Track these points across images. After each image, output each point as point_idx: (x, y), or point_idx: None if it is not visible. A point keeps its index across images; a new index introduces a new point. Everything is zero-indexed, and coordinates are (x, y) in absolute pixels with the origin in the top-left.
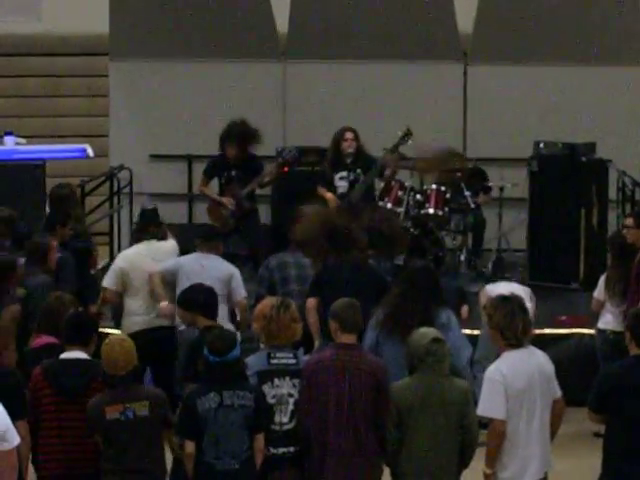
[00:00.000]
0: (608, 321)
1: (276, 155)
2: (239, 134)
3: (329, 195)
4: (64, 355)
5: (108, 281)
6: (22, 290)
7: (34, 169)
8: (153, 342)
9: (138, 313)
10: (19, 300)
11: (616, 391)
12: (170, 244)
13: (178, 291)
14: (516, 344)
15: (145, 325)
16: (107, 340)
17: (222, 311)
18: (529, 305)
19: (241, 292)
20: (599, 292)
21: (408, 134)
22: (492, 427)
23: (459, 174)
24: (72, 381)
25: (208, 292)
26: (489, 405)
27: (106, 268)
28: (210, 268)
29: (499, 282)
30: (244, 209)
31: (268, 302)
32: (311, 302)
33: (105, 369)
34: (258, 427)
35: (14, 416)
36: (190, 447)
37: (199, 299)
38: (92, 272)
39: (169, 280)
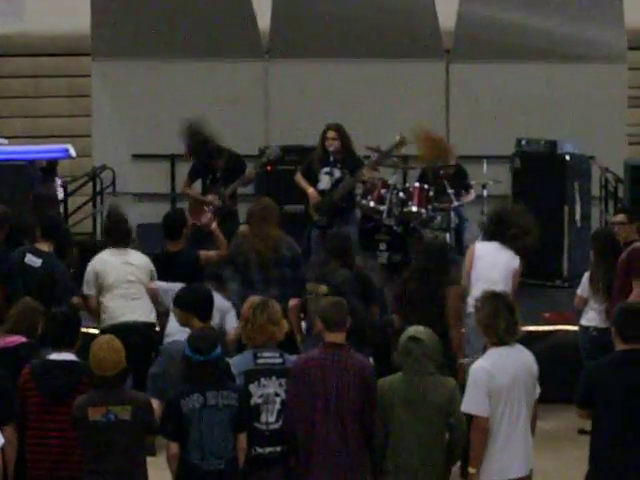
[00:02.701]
0: (591, 318)
1: (259, 154)
2: (216, 149)
3: (310, 191)
4: (53, 356)
5: (86, 288)
6: None
7: (16, 170)
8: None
9: (114, 312)
10: None
11: (602, 386)
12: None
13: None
14: (498, 342)
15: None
16: (96, 340)
17: None
18: (509, 284)
19: (233, 324)
20: (582, 289)
21: (402, 143)
22: (475, 424)
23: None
24: (58, 383)
25: (206, 294)
26: (472, 402)
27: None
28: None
29: (492, 242)
30: (226, 209)
31: (250, 302)
32: (292, 302)
33: (92, 369)
34: (241, 426)
35: (3, 418)
36: (174, 448)
37: (196, 300)
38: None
39: (164, 300)
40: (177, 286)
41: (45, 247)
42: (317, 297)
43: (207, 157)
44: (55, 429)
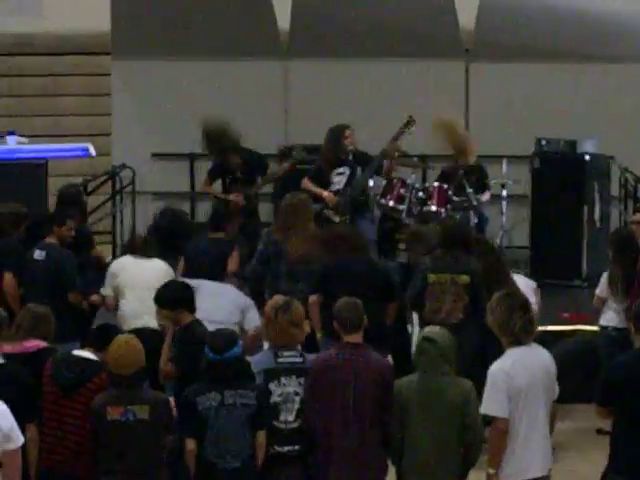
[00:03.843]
0: (610, 318)
1: (279, 153)
2: (225, 148)
3: (326, 194)
4: (75, 352)
5: (105, 289)
6: None
7: (36, 168)
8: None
9: (130, 315)
10: None
11: (622, 384)
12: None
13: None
14: (514, 341)
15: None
16: (115, 339)
17: None
18: (533, 300)
19: (256, 322)
20: (601, 289)
21: (411, 122)
22: (494, 426)
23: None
24: (69, 376)
25: (186, 287)
26: (491, 403)
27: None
28: (229, 292)
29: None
30: (250, 208)
31: (273, 302)
32: (313, 298)
33: (110, 368)
34: (260, 424)
35: (24, 418)
36: (191, 444)
37: (182, 295)
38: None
39: None
40: (195, 283)
41: (52, 240)
42: (457, 286)
43: (220, 152)
44: (62, 420)
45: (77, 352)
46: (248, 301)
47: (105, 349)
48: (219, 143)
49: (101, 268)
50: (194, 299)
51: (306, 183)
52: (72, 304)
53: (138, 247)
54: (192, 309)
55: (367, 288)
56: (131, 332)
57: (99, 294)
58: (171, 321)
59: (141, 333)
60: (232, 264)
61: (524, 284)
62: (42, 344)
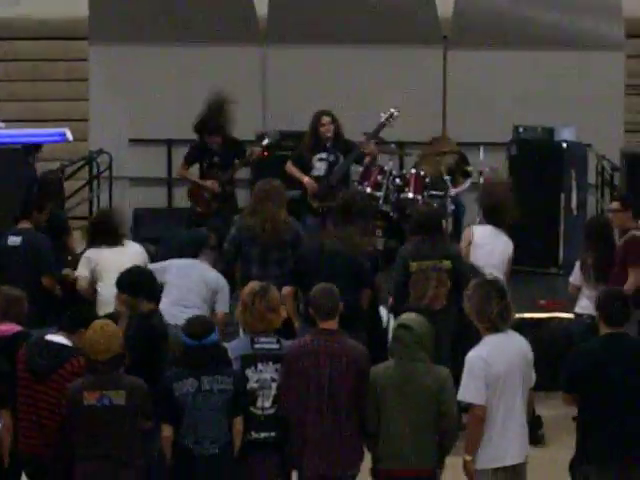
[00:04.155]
0: (585, 305)
1: (256, 139)
2: (218, 125)
3: (306, 179)
4: (48, 337)
5: (80, 270)
6: None
7: (12, 153)
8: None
9: (108, 299)
10: None
11: (586, 370)
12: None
13: (166, 286)
14: (491, 328)
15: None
16: (92, 324)
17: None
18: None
19: (225, 306)
20: (575, 277)
21: (392, 117)
22: (471, 413)
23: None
24: (41, 362)
25: (150, 274)
26: (469, 390)
27: (84, 252)
28: (200, 270)
29: (487, 225)
30: (226, 193)
31: (249, 287)
32: (287, 290)
33: (87, 353)
34: (237, 410)
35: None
36: (167, 431)
37: (143, 282)
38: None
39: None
40: (166, 264)
41: (26, 225)
42: (439, 272)
43: (212, 128)
44: (31, 404)
45: (50, 337)
46: (221, 282)
47: (77, 332)
48: (218, 117)
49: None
50: (156, 288)
51: (289, 167)
52: (47, 289)
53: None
54: (152, 297)
55: (341, 275)
56: (107, 316)
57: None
58: (129, 307)
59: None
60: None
61: (506, 239)
62: (17, 328)
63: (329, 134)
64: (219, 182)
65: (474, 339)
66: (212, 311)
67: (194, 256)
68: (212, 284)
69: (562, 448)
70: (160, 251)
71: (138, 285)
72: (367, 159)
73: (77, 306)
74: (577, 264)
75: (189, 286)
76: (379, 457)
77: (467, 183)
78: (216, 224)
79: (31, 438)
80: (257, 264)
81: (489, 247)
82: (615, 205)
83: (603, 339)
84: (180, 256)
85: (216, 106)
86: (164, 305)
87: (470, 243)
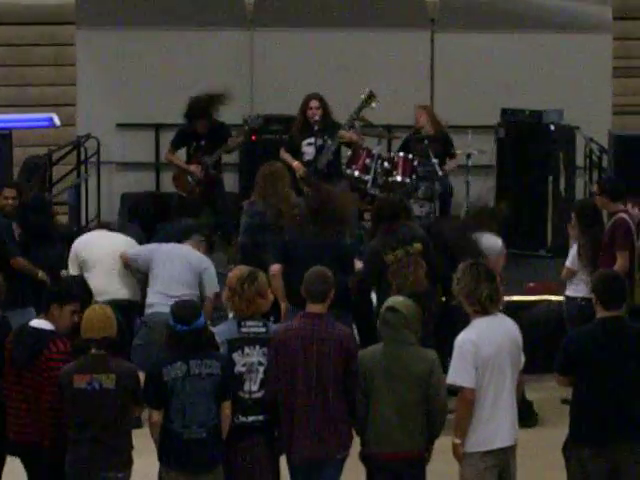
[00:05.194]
0: (579, 289)
1: (243, 123)
2: (207, 109)
3: (296, 164)
4: (32, 322)
5: (70, 267)
6: None
7: (0, 139)
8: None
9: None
10: None
11: (583, 353)
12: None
13: (151, 273)
14: (480, 310)
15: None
16: (91, 306)
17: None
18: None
19: (214, 287)
20: (571, 261)
21: (371, 97)
22: (461, 395)
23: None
24: (22, 348)
25: (82, 282)
26: (458, 373)
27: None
28: (184, 255)
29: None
30: (210, 177)
31: (237, 272)
32: (275, 268)
33: (82, 332)
34: (225, 395)
35: None
36: (156, 416)
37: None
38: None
39: (137, 262)
40: (154, 249)
41: None
42: (413, 255)
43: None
44: (20, 392)
45: (33, 323)
46: (204, 262)
47: (50, 309)
48: (207, 104)
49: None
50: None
51: (282, 153)
52: (21, 271)
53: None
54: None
55: (329, 259)
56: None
57: (66, 271)
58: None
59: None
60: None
61: (496, 240)
62: None
63: (317, 117)
64: (203, 166)
65: (456, 322)
66: (201, 295)
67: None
68: (195, 266)
69: (552, 430)
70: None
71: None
72: (350, 147)
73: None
74: (573, 248)
75: (172, 274)
76: (368, 441)
77: (455, 162)
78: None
79: (25, 427)
80: (271, 248)
81: None
82: (595, 188)
83: (601, 322)
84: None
85: (209, 96)
86: (152, 300)
87: None
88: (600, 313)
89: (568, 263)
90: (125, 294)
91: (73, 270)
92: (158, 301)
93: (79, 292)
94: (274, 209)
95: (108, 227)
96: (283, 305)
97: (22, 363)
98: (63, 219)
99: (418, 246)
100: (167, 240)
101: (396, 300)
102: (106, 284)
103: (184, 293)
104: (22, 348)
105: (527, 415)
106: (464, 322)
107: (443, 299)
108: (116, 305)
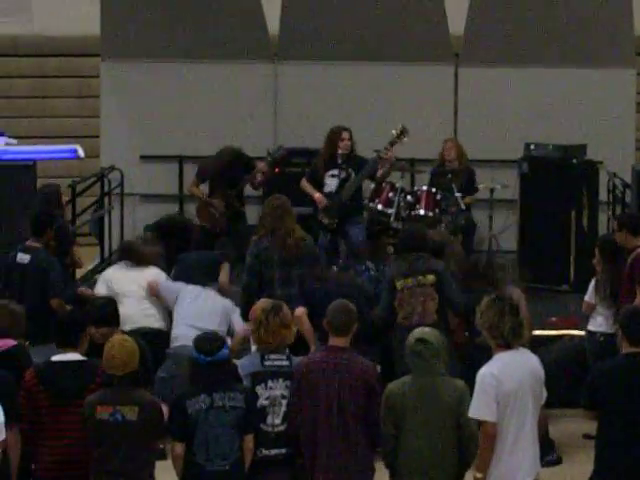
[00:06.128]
0: (599, 323)
1: (266, 156)
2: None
3: (317, 195)
4: (56, 357)
5: (98, 288)
6: None
7: (25, 170)
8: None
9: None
10: None
11: (608, 388)
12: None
13: (179, 307)
14: (504, 345)
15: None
16: (110, 339)
17: None
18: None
19: (242, 325)
20: (590, 295)
21: (404, 132)
22: (483, 429)
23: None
24: (68, 383)
25: (114, 302)
26: (480, 407)
27: (95, 269)
28: (211, 296)
29: None
30: (234, 209)
31: (261, 305)
32: (300, 310)
33: (104, 368)
34: (248, 428)
35: (7, 418)
36: (179, 448)
37: (114, 312)
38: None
39: (164, 294)
40: (182, 287)
41: (36, 244)
42: (424, 287)
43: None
44: (69, 429)
45: (60, 357)
46: (231, 305)
47: (81, 345)
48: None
49: (74, 269)
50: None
51: (303, 183)
52: (55, 310)
53: (133, 253)
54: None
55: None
56: (133, 332)
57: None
58: (106, 339)
59: (145, 334)
60: (223, 275)
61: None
62: (11, 342)
63: (346, 150)
64: (226, 199)
65: (480, 359)
66: (228, 331)
67: (204, 279)
68: (226, 307)
69: (573, 465)
70: (175, 272)
71: (112, 315)
72: (379, 172)
73: (70, 321)
74: (592, 282)
75: (200, 311)
76: (400, 474)
77: (473, 197)
78: (224, 242)
79: (58, 463)
80: (280, 285)
81: None
82: (615, 225)
83: (627, 357)
84: (190, 277)
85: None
86: (178, 332)
87: None
88: (626, 349)
89: (587, 297)
90: (155, 323)
91: (101, 291)
92: (184, 334)
93: (114, 316)
94: (281, 241)
95: (131, 252)
96: (313, 348)
97: (68, 397)
98: (85, 250)
99: (431, 278)
100: (189, 270)
101: (424, 332)
102: (137, 312)
103: (211, 327)
104: (64, 382)
105: (549, 452)
106: (487, 358)
107: (466, 334)
108: (145, 333)
